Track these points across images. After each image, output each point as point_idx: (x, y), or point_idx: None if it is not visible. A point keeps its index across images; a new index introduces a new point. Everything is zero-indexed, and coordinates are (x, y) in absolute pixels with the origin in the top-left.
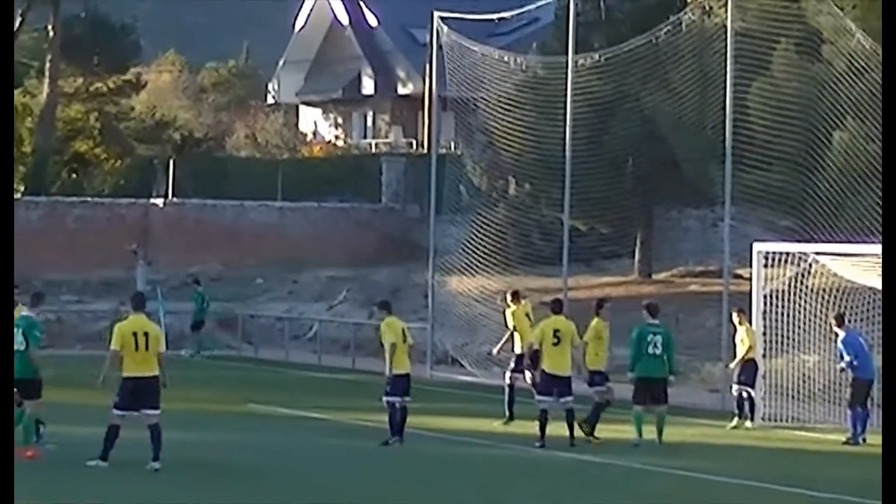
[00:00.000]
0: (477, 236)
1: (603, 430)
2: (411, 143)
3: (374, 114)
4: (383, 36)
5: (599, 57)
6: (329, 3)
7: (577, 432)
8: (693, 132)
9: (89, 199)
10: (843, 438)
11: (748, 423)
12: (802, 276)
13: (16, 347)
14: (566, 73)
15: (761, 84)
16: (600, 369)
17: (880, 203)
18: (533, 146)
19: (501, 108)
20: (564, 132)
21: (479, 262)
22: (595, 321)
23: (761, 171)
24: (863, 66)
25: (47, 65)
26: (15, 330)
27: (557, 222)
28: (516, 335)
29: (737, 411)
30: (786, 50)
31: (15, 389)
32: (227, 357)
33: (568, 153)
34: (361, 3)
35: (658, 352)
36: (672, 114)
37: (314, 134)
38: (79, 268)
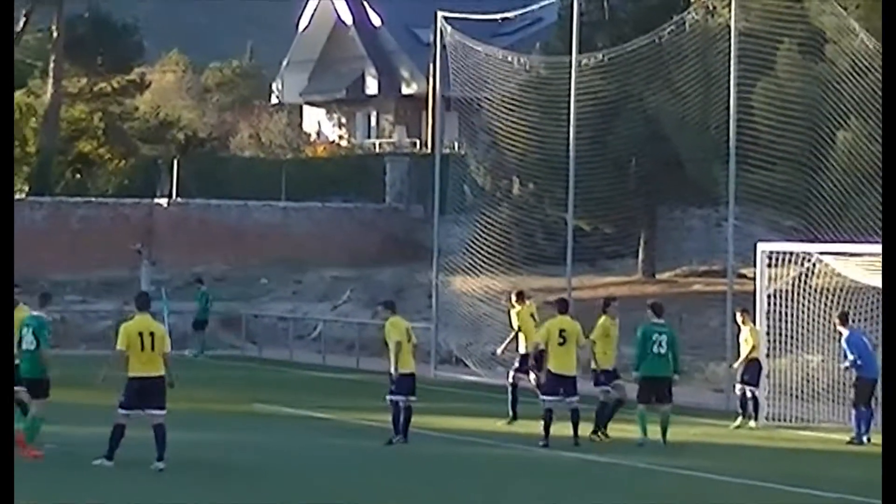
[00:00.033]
0: (481, 236)
1: (608, 430)
2: (415, 143)
3: (377, 114)
4: (387, 36)
5: (603, 57)
6: (332, 3)
7: (582, 432)
8: (697, 132)
9: (93, 199)
10: (847, 438)
11: (752, 423)
12: (806, 275)
13: (25, 347)
14: (570, 73)
15: (765, 84)
16: (608, 368)
17: None
18: (537, 146)
19: (505, 107)
20: (568, 132)
21: (483, 261)
22: (602, 319)
23: (765, 170)
24: (866, 66)
25: (51, 65)
26: (25, 330)
27: (561, 222)
28: (521, 335)
29: (740, 411)
30: (789, 50)
31: (24, 388)
32: (231, 357)
33: (571, 153)
34: (365, 3)
35: (663, 351)
36: (676, 113)
37: (318, 134)
38: (83, 268)
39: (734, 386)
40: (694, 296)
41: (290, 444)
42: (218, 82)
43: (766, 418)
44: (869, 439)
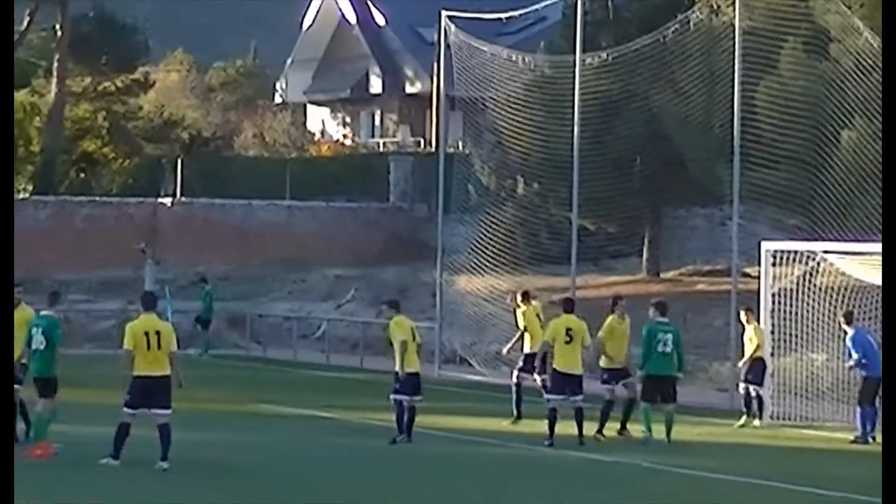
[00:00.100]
0: (485, 235)
1: (610, 430)
2: (419, 143)
3: (381, 113)
4: (391, 35)
5: (607, 56)
6: (336, 3)
7: (587, 431)
8: (701, 131)
9: (97, 198)
10: (852, 437)
11: (756, 422)
12: (810, 274)
13: (35, 347)
14: (574, 73)
15: (769, 83)
16: (616, 367)
17: None
18: (541, 145)
19: (509, 107)
20: (572, 131)
21: (488, 261)
22: (610, 318)
23: (769, 169)
24: (870, 65)
25: (55, 64)
26: (35, 330)
27: (566, 221)
28: (526, 335)
29: (745, 410)
30: (793, 48)
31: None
32: (236, 356)
33: (576, 152)
34: (369, 3)
35: (668, 350)
36: (680, 112)
37: (322, 133)
38: (87, 267)
39: (738, 385)
40: (698, 295)
41: (293, 444)
42: (222, 82)
43: (771, 417)
44: (874, 438)
